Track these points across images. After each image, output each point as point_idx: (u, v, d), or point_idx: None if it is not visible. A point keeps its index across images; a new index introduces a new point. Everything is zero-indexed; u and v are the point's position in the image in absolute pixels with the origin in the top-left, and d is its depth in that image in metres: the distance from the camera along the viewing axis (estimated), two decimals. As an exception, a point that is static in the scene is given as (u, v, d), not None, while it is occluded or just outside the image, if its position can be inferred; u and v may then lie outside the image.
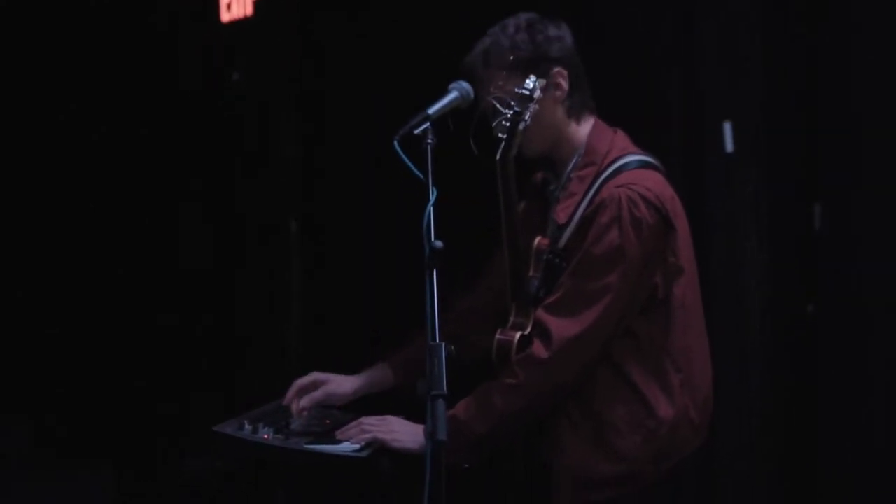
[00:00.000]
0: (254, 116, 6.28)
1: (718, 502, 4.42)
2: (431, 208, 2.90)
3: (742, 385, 4.37)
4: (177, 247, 6.56)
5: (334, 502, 3.33)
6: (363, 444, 3.24)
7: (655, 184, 3.31)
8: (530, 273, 3.38)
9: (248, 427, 3.29)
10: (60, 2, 6.42)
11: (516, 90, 3.21)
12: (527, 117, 3.19)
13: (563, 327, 3.23)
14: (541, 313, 3.28)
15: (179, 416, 6.09)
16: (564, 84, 3.38)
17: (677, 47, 4.53)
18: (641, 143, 3.46)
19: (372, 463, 3.21)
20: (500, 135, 3.21)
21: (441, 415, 2.75)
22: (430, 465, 2.74)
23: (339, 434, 3.29)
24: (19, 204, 6.49)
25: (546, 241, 3.39)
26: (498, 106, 3.25)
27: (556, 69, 3.36)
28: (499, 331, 3.35)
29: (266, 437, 3.25)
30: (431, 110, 3.13)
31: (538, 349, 3.23)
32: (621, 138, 3.44)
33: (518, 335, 3.32)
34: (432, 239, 2.87)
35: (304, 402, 3.49)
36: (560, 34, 3.40)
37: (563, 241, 3.34)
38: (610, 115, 3.48)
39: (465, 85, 3.26)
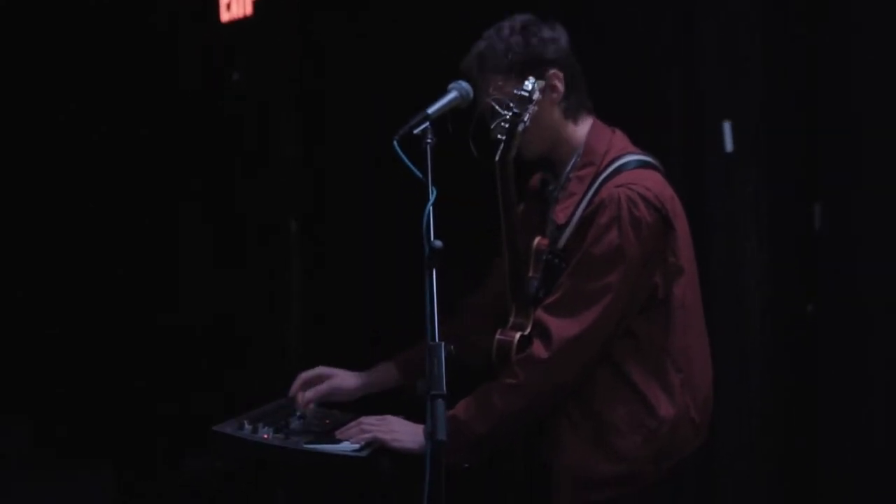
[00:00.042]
0: (254, 116, 6.28)
1: (718, 502, 4.42)
2: (431, 208, 2.90)
3: (742, 385, 4.37)
4: (177, 247, 6.56)
5: (334, 502, 3.33)
6: (363, 443, 3.24)
7: (655, 183, 3.31)
8: (530, 273, 3.38)
9: (247, 427, 3.29)
10: (60, 2, 6.42)
11: (515, 91, 3.21)
12: (525, 119, 3.19)
13: (562, 327, 3.23)
14: (540, 313, 3.28)
15: (179, 416, 6.08)
16: (560, 86, 3.38)
17: (677, 47, 4.53)
18: (641, 143, 3.46)
19: (372, 463, 3.21)
20: (498, 136, 3.21)
21: (441, 415, 2.76)
22: (430, 465, 2.74)
23: (338, 434, 3.29)
24: (19, 204, 6.49)
25: (545, 242, 3.40)
26: (497, 107, 3.24)
27: (552, 71, 3.36)
28: (499, 331, 3.35)
29: (266, 436, 3.25)
30: (431, 110, 3.14)
31: (538, 349, 3.23)
32: (620, 138, 3.44)
33: (518, 335, 3.32)
34: (432, 238, 2.87)
35: (310, 394, 3.52)
36: (555, 36, 3.40)
37: (562, 242, 3.34)
38: (610, 115, 3.48)
39: (464, 85, 3.26)
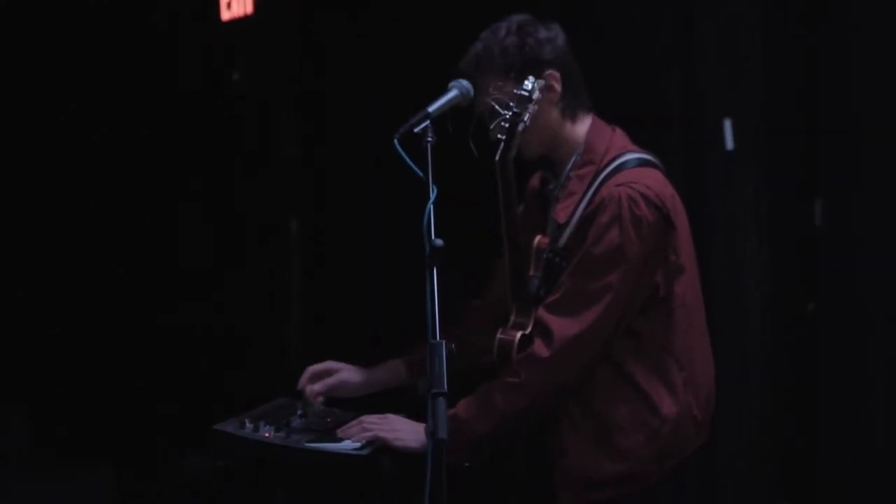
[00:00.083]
0: (254, 116, 6.28)
1: (719, 502, 4.42)
2: (432, 206, 2.90)
3: (742, 385, 4.37)
4: (177, 247, 6.56)
5: (335, 501, 3.32)
6: (364, 442, 3.24)
7: (655, 182, 3.31)
8: (531, 272, 3.38)
9: (248, 426, 3.29)
10: (60, 2, 6.42)
11: (515, 91, 3.21)
12: (525, 118, 3.19)
13: (563, 327, 3.23)
14: (542, 313, 3.28)
15: (179, 416, 6.08)
16: (557, 86, 3.37)
17: (677, 47, 4.54)
18: (641, 143, 3.46)
19: (373, 461, 3.21)
20: (498, 136, 3.21)
21: (442, 413, 2.75)
22: (431, 464, 2.74)
23: (340, 432, 3.29)
24: (19, 204, 6.49)
25: (546, 241, 3.39)
26: (496, 107, 3.24)
27: (549, 71, 3.36)
28: (500, 330, 3.35)
29: (267, 435, 3.25)
30: (431, 108, 3.14)
31: (539, 348, 3.23)
32: (620, 137, 3.44)
33: (519, 335, 3.32)
34: (432, 237, 2.87)
35: (318, 387, 3.52)
36: (551, 36, 3.39)
37: (563, 241, 3.34)
38: (610, 115, 3.48)
39: (465, 83, 3.26)
